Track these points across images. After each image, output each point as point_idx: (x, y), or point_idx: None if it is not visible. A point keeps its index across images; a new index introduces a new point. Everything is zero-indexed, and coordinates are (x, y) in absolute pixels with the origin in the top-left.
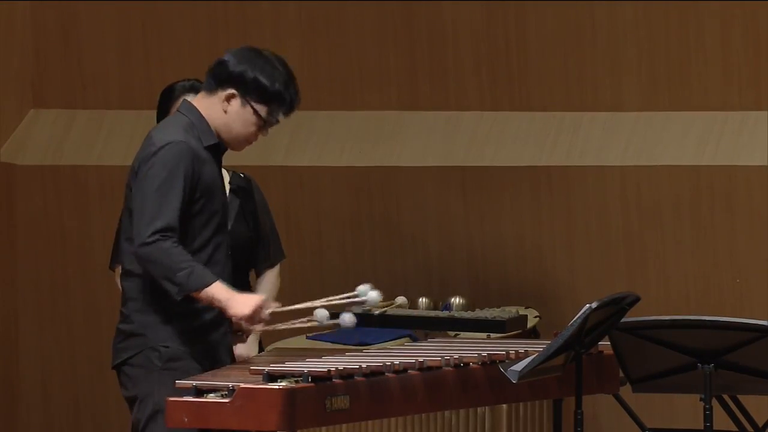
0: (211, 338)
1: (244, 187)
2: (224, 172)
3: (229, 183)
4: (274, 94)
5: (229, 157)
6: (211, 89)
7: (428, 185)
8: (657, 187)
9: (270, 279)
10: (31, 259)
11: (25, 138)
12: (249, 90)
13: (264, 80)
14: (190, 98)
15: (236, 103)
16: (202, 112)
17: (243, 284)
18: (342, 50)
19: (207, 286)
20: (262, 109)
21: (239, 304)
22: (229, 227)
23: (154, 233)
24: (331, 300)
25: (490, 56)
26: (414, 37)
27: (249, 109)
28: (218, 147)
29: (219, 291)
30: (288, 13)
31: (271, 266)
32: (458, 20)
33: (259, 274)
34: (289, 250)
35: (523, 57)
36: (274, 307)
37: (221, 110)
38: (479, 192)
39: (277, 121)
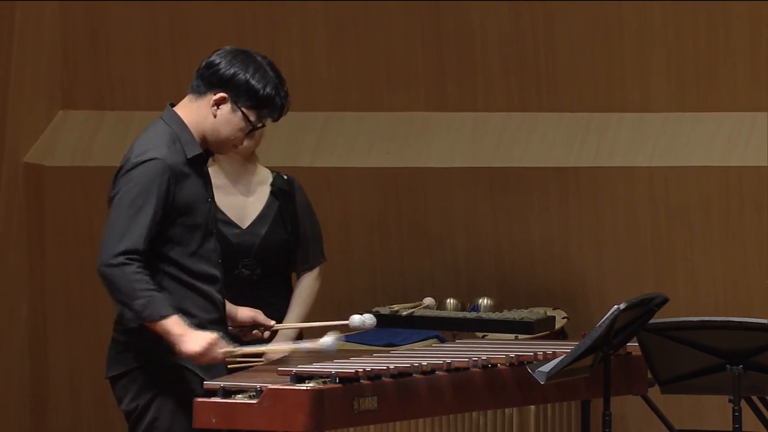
0: None
1: (285, 189)
2: (267, 172)
3: (270, 185)
4: (265, 99)
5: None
6: (200, 92)
7: (456, 186)
8: (685, 188)
9: (308, 282)
10: (59, 260)
11: (53, 139)
12: (240, 94)
13: (256, 84)
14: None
15: (226, 107)
16: (189, 117)
17: (280, 286)
18: (370, 51)
19: (162, 319)
20: (251, 114)
21: (190, 341)
22: (266, 229)
23: (118, 255)
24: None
25: (517, 57)
26: (442, 38)
27: (239, 114)
28: (202, 157)
29: (173, 326)
30: (315, 15)
31: (310, 269)
32: (486, 21)
33: (298, 277)
34: None
35: (551, 58)
36: (227, 347)
37: (210, 114)
38: (507, 193)
39: (263, 125)
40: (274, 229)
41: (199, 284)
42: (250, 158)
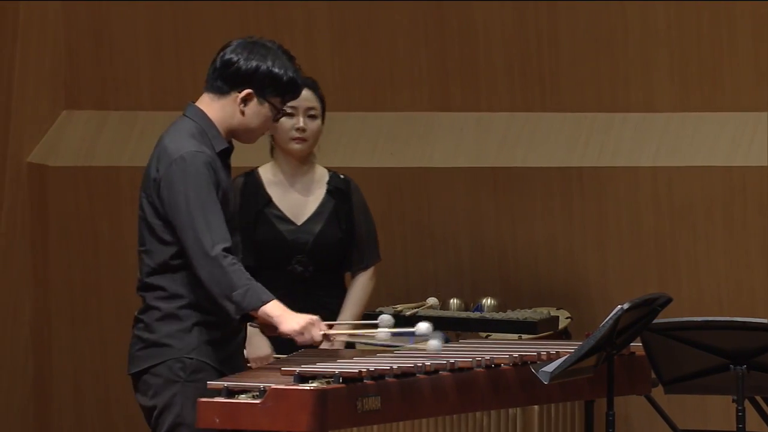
0: (231, 347)
1: (341, 188)
2: (324, 171)
3: (327, 183)
4: (288, 83)
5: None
6: (223, 92)
7: (459, 186)
8: (689, 188)
9: (362, 281)
10: (63, 260)
11: (57, 139)
12: (265, 86)
13: (278, 72)
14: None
15: (253, 102)
16: (213, 115)
17: (333, 285)
18: (373, 51)
19: (263, 304)
20: (277, 102)
21: (289, 321)
22: (320, 227)
23: (213, 250)
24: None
25: (521, 57)
26: (445, 37)
27: (266, 105)
28: (228, 151)
29: (273, 309)
30: (319, 14)
31: (365, 268)
32: (489, 21)
33: (353, 276)
34: None
35: (554, 57)
36: (326, 327)
37: (237, 112)
38: (510, 193)
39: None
40: (329, 227)
41: None
42: (306, 159)
